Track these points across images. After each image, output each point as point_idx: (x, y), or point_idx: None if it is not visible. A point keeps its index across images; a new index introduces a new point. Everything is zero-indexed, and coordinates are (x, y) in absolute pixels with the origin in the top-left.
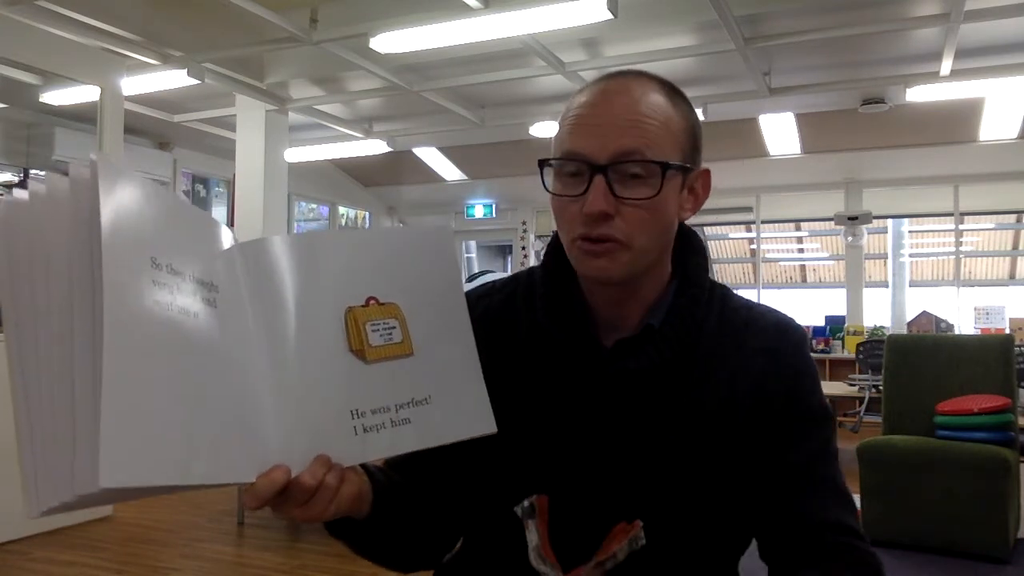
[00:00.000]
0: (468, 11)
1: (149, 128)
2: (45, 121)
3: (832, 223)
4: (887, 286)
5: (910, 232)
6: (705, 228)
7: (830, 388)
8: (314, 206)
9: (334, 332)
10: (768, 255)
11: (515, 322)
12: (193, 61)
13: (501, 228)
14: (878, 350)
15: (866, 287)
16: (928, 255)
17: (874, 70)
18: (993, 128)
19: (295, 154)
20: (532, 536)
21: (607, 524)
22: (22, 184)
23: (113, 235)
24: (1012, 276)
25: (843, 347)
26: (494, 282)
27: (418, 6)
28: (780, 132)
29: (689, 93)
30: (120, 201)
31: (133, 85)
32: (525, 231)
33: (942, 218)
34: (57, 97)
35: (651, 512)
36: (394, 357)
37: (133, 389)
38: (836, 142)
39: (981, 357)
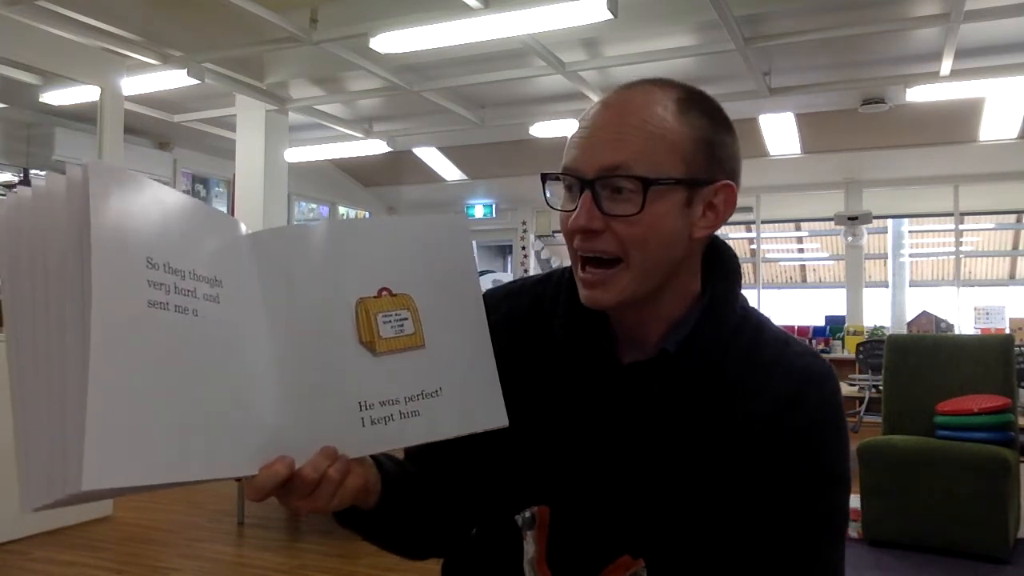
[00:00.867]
0: (468, 11)
1: (149, 128)
2: (45, 121)
3: (832, 223)
4: (887, 286)
5: (910, 232)
6: None
7: None
8: (314, 206)
9: (344, 323)
10: (768, 255)
11: (539, 327)
12: (193, 61)
13: (501, 228)
14: (878, 350)
15: (866, 287)
16: (928, 255)
17: (874, 70)
18: (993, 128)
19: (295, 154)
20: (529, 547)
21: (605, 550)
22: (24, 183)
23: (104, 236)
24: (1012, 276)
25: (843, 347)
26: (524, 279)
27: (418, 6)
28: (780, 132)
29: None
30: (113, 202)
31: (133, 85)
32: (525, 231)
33: (942, 218)
34: (57, 97)
35: (652, 549)
36: (405, 349)
37: (121, 390)
38: (836, 142)
39: (981, 357)
